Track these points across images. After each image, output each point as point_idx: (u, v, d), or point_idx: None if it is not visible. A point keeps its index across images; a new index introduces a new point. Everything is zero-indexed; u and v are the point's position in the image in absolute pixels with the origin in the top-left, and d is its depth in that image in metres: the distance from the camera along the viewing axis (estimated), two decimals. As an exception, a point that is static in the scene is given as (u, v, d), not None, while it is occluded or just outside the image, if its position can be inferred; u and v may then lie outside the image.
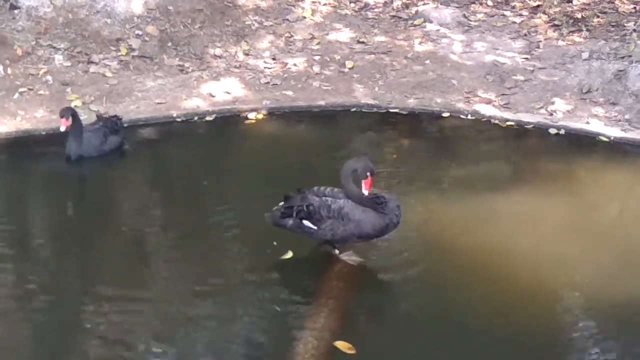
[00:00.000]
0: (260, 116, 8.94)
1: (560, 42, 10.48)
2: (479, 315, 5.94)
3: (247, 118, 8.88)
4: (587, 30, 10.64)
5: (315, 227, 6.27)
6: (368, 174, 6.19)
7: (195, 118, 8.81)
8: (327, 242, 6.38)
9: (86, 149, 7.84)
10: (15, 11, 9.64)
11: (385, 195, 6.33)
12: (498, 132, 8.83)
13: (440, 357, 5.66)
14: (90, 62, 9.49)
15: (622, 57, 9.71)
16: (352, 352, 5.47)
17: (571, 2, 11.30)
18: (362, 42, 10.47)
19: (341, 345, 5.50)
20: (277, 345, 5.64)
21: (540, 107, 9.19)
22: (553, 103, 9.26)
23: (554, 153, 8.50)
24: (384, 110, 9.15)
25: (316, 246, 6.49)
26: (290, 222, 6.33)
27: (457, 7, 11.25)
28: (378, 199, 6.26)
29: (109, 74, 9.36)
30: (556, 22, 10.92)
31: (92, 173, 8.02)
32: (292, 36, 10.50)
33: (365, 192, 6.22)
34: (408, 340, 5.70)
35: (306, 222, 6.29)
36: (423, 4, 11.28)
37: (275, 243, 6.52)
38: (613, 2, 11.29)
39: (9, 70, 9.17)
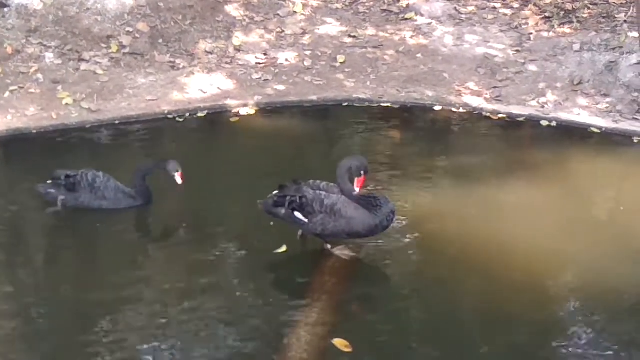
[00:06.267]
0: (251, 111, 8.93)
1: (551, 34, 10.49)
2: (475, 308, 5.95)
3: (238, 113, 8.88)
4: (578, 21, 10.64)
5: (306, 220, 6.27)
6: (362, 172, 6.20)
7: (187, 114, 8.80)
8: (317, 235, 6.38)
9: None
10: (5, 9, 9.62)
11: (382, 199, 6.29)
12: (490, 125, 8.84)
13: (436, 352, 5.65)
14: (81, 59, 9.47)
15: (613, 49, 9.72)
16: (349, 350, 5.45)
17: (562, -7, 11.33)
18: (353, 37, 10.47)
19: (338, 342, 5.48)
20: (270, 341, 5.62)
21: (532, 99, 9.20)
22: (544, 95, 9.27)
23: (545, 145, 8.51)
24: (376, 105, 9.16)
25: (308, 240, 6.50)
26: (282, 211, 6.34)
27: (447, 0, 11.24)
28: (375, 200, 6.25)
29: (99, 72, 9.34)
30: (547, 14, 10.93)
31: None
32: (283, 31, 10.49)
33: (357, 190, 6.23)
34: (402, 336, 5.70)
35: (297, 214, 6.29)
36: (414, -3, 11.29)
37: (272, 223, 6.52)
38: (604, -6, 11.31)
39: (-1, 69, 9.17)
